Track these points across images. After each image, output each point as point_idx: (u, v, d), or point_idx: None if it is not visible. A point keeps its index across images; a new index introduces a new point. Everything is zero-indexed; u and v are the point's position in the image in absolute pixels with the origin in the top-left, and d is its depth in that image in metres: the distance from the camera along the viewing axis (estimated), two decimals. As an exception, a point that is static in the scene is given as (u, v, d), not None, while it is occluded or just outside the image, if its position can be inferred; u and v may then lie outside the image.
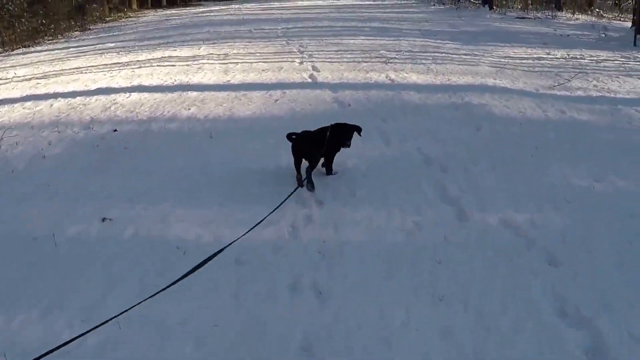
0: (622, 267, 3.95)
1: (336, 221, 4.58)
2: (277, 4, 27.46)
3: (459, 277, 3.81)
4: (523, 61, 11.44)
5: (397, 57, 11.63)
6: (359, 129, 5.37)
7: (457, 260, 4.01)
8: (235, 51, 13.17)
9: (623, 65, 11.21)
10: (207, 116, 7.82)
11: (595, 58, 11.76)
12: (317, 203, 4.93)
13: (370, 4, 25.18)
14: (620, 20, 19.61)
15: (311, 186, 5.12)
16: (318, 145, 5.20)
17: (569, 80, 9.50)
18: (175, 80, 10.17)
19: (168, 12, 29.02)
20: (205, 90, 9.28)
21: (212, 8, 28.83)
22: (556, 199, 5.00)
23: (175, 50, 13.93)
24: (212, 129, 7.16)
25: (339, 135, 5.25)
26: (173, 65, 11.67)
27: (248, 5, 28.47)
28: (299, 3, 27.24)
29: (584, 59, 11.69)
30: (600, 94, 8.86)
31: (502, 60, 11.51)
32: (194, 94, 9.08)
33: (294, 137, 5.33)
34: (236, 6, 28.09)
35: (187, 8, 31.27)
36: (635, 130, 7.16)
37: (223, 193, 5.19)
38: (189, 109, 8.18)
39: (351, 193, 5.09)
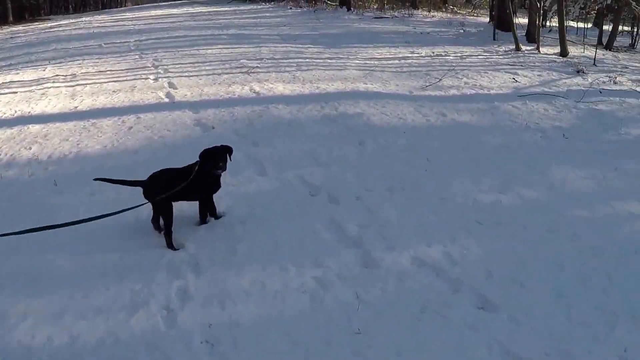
0: (562, 299, 3.46)
1: (220, 293, 3.49)
2: (129, 15, 25.20)
3: (388, 348, 2.96)
4: (390, 62, 11.07)
5: (259, 66, 10.63)
6: (229, 150, 4.27)
7: (380, 325, 3.17)
8: (83, 70, 11.31)
9: (487, 59, 11.30)
10: (50, 156, 6.17)
11: (459, 54, 11.76)
12: (192, 269, 3.77)
13: (226, 10, 23.94)
14: (474, 16, 20.49)
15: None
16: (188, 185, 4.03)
17: (440, 80, 9.22)
18: (15, 112, 8.24)
19: (14, 28, 25.47)
20: (49, 122, 7.50)
21: (61, 22, 25.69)
22: (467, 222, 4.38)
23: (18, 73, 11.69)
24: (56, 174, 5.62)
25: (209, 164, 4.10)
26: (14, 93, 9.62)
27: (99, 17, 25.80)
28: (153, 12, 25.25)
29: (449, 55, 11.64)
30: (474, 91, 8.66)
31: (369, 62, 11.04)
32: (37, 127, 7.27)
33: (145, 181, 4.11)
34: (86, 19, 25.36)
35: (36, 23, 27.77)
36: (520, 128, 6.93)
37: (74, 268, 3.84)
38: (30, 148, 6.45)
39: (231, 250, 3.98)
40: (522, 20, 14.99)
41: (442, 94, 8.47)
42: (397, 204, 4.68)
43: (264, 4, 25.10)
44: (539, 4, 13.46)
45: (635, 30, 17.31)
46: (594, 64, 11.27)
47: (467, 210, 4.59)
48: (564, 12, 13.17)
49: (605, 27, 16.98)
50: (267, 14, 21.25)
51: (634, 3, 14.64)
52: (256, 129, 6.75)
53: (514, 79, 9.57)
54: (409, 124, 6.94)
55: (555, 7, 15.44)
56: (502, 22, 14.35)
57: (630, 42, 17.04)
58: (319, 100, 7.94)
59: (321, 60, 11.17)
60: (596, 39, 15.81)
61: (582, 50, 13.04)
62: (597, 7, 16.54)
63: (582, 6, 16.68)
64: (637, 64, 12.42)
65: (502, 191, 4.95)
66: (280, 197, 4.85)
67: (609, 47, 14.89)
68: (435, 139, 6.38)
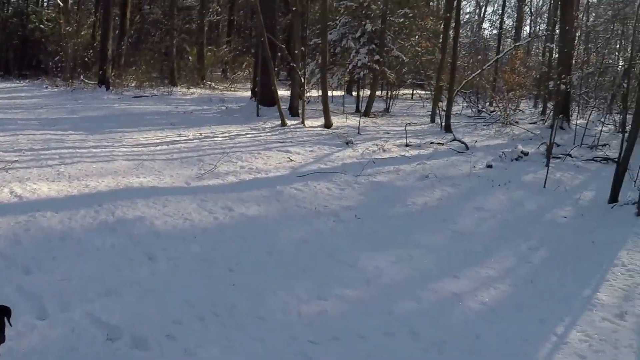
0: None
1: None
2: None
3: None
4: (159, 148, 10.22)
5: (18, 159, 8.70)
6: (7, 312, 2.91)
7: None
8: None
9: (257, 138, 11.22)
10: None
11: (227, 134, 11.48)
12: None
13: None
14: (232, 91, 20.74)
15: None
16: None
17: (215, 166, 8.68)
18: None
19: None
20: None
21: None
22: (299, 344, 3.76)
23: None
24: None
25: None
26: None
27: None
28: None
29: (217, 136, 11.27)
30: (253, 176, 8.32)
31: (137, 149, 10.02)
32: None
33: None
34: None
35: None
36: (311, 214, 6.72)
37: None
38: None
39: None
40: (283, 92, 15.57)
41: (221, 182, 7.92)
42: (215, 337, 3.81)
43: (17, 82, 21.91)
44: (301, 78, 14.04)
45: (389, 94, 19.38)
46: (359, 132, 12.06)
47: (294, 329, 3.98)
48: (327, 84, 13.98)
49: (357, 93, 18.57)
50: (23, 94, 18.43)
51: (389, 71, 16.40)
52: (25, 247, 5.18)
53: (289, 157, 9.56)
54: (198, 226, 6.14)
55: (314, 79, 16.43)
56: (264, 98, 14.64)
57: (385, 106, 18.94)
58: (91, 203, 6.62)
59: (86, 150, 9.73)
60: (354, 106, 17.29)
61: (345, 119, 13.97)
62: (355, 77, 17.90)
63: (340, 76, 18.13)
64: (396, 128, 13.76)
65: (322, 296, 4.49)
66: (72, 350, 3.57)
67: (367, 114, 16.26)
68: (232, 242, 5.68)
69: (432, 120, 16.20)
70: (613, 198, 7.92)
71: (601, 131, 12.79)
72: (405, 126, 12.60)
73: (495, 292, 4.82)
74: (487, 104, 21.42)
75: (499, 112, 17.47)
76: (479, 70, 18.61)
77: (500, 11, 35.18)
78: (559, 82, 14.29)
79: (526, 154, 11.05)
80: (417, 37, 18.58)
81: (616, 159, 10.85)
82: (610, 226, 6.98)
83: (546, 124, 16.49)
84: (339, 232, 6.21)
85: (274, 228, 6.14)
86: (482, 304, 4.57)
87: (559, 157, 10.58)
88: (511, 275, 5.30)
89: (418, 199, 7.62)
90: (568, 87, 14.38)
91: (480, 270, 5.31)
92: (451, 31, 15.26)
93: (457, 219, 6.92)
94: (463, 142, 11.84)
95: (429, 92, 21.53)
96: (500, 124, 16.13)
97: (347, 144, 10.93)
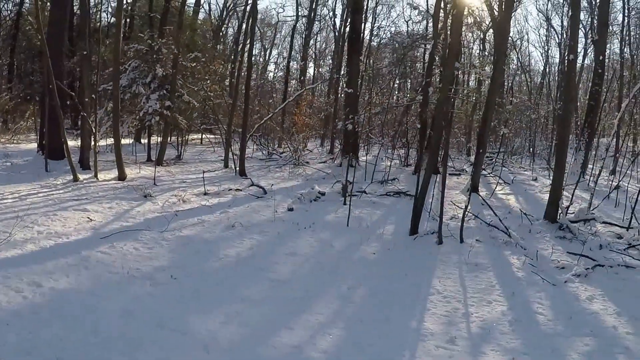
0: None
1: None
2: None
3: None
4: None
5: None
6: None
7: None
8: None
9: (50, 197, 9.98)
10: None
11: (17, 195, 10.00)
12: None
13: None
14: (15, 143, 18.20)
15: None
16: None
17: (10, 234, 7.32)
18: None
19: None
20: None
21: None
22: None
23: None
24: None
25: None
26: None
27: None
28: None
29: (7, 198, 9.71)
30: (54, 242, 7.30)
31: None
32: None
33: None
34: None
35: None
36: (126, 280, 6.10)
37: None
38: None
39: None
40: (72, 143, 14.11)
41: (20, 252, 6.78)
42: None
43: None
44: (92, 127, 12.95)
45: (179, 141, 18.93)
46: (155, 183, 11.52)
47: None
48: (120, 133, 13.11)
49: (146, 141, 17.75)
50: None
51: (180, 117, 15.97)
52: None
53: (88, 217, 8.68)
54: (7, 309, 5.02)
55: (103, 128, 15.33)
56: (53, 150, 13.20)
57: (177, 153, 18.35)
58: None
59: None
60: (145, 154, 16.50)
61: (138, 170, 13.25)
62: (145, 124, 17.15)
63: (129, 123, 17.18)
64: (191, 176, 13.49)
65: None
66: None
67: (160, 162, 15.64)
68: (51, 325, 4.75)
69: (226, 166, 16.31)
70: (413, 230, 8.85)
71: (390, 166, 14.28)
72: (203, 174, 12.48)
73: (332, 338, 4.95)
74: (277, 145, 22.42)
75: (290, 154, 18.40)
76: (271, 114, 19.39)
77: (286, 54, 37.36)
78: (347, 122, 15.64)
79: (323, 194, 11.77)
80: (208, 80, 18.72)
81: (408, 192, 12.27)
82: (417, 257, 7.76)
83: (335, 162, 17.87)
84: (159, 297, 5.76)
85: (91, 302, 5.44)
86: (324, 352, 4.65)
87: (355, 195, 11.49)
88: (341, 318, 5.49)
89: (230, 251, 7.54)
90: (356, 127, 15.80)
91: (310, 318, 5.40)
92: (243, 73, 15.64)
93: (273, 267, 6.98)
94: (261, 187, 12.13)
95: (220, 136, 21.72)
96: (292, 165, 16.97)
97: (145, 197, 10.38)
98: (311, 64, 39.75)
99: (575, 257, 7.64)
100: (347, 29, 27.23)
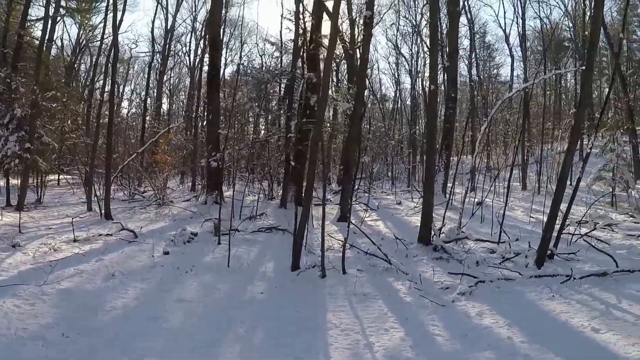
0: None
1: None
2: None
3: None
4: None
5: None
6: None
7: None
8: None
9: None
10: None
11: None
12: None
13: None
14: None
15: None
16: None
17: None
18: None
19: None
20: None
21: None
22: None
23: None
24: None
25: None
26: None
27: None
28: None
29: None
30: None
31: None
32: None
33: None
34: None
35: None
36: (14, 342, 5.19)
37: None
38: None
39: None
40: None
41: None
42: None
43: None
44: None
45: (38, 183, 17.48)
46: (20, 231, 10.36)
47: None
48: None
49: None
50: None
51: (40, 159, 14.48)
52: None
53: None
54: None
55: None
56: None
57: (37, 197, 17.19)
58: None
59: None
60: (3, 199, 15.32)
61: (0, 216, 11.77)
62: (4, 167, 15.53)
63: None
64: (56, 221, 12.35)
65: None
66: None
67: (21, 207, 14.45)
68: None
69: (89, 209, 15.10)
70: (295, 265, 8.64)
71: (257, 201, 13.98)
72: (72, 220, 11.27)
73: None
74: (137, 185, 21.22)
75: (153, 193, 17.42)
76: (134, 154, 18.38)
77: (139, 90, 35.69)
78: (209, 160, 15.14)
79: (195, 234, 11.16)
80: (68, 120, 17.36)
81: (279, 227, 12.06)
82: (305, 292, 7.57)
83: (200, 200, 17.19)
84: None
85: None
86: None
87: (227, 234, 10.97)
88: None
89: (116, 302, 6.77)
90: (219, 163, 15.34)
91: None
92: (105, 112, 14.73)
93: (165, 316, 6.40)
94: (131, 231, 11.21)
95: (79, 177, 20.26)
96: (157, 205, 16.03)
97: (13, 246, 9.21)
98: (165, 100, 38.61)
99: (456, 277, 7.96)
100: (204, 64, 26.87)
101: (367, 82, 27.47)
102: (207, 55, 23.57)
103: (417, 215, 13.25)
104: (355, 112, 13.79)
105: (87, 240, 10.29)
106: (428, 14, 14.61)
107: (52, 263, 8.24)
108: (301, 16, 18.22)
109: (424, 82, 30.41)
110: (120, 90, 39.86)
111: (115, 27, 14.62)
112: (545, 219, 9.18)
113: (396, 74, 41.86)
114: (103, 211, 13.66)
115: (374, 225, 13.54)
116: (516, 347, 5.36)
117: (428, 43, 17.84)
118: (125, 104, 42.04)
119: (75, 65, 34.15)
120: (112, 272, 7.97)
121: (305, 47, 17.25)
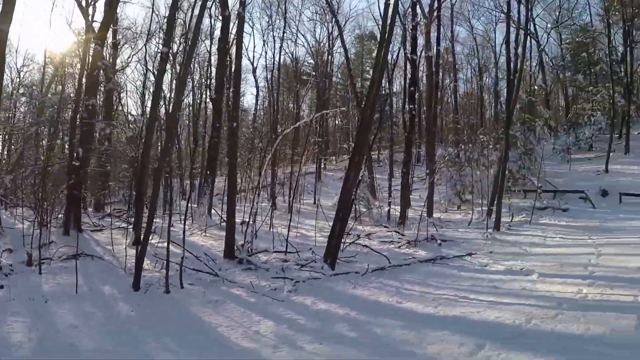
0: None
1: None
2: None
3: None
4: None
5: None
6: None
7: None
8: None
9: None
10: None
11: None
12: None
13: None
14: None
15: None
16: None
17: None
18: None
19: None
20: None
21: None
22: None
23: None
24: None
25: None
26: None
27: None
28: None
29: None
30: None
31: None
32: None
33: None
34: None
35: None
36: None
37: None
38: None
39: None
40: None
41: None
42: None
43: None
44: None
45: None
46: None
47: None
48: None
49: None
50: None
51: None
52: None
53: None
54: None
55: None
56: None
57: None
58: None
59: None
60: None
61: None
62: None
63: None
64: None
65: None
66: None
67: None
68: None
69: None
70: (136, 286, 9.73)
71: (40, 230, 13.69)
72: None
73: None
74: None
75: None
76: None
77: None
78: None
79: (11, 265, 11.05)
80: None
81: (87, 253, 12.50)
82: (168, 305, 8.75)
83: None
84: None
85: None
86: None
87: (43, 262, 11.12)
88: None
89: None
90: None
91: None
92: None
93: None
94: None
95: None
96: None
97: None
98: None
99: (275, 280, 10.28)
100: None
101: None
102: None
103: (200, 236, 15.60)
104: (147, 140, 15.05)
105: None
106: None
107: None
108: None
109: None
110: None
111: None
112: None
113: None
114: None
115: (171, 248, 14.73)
116: (358, 319, 7.88)
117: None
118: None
119: None
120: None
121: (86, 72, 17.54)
